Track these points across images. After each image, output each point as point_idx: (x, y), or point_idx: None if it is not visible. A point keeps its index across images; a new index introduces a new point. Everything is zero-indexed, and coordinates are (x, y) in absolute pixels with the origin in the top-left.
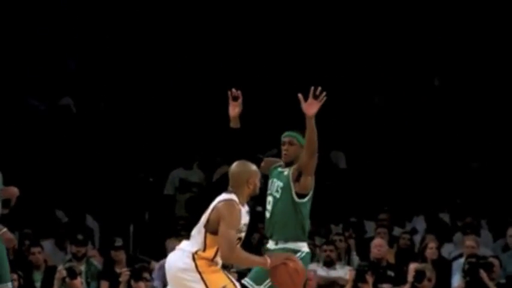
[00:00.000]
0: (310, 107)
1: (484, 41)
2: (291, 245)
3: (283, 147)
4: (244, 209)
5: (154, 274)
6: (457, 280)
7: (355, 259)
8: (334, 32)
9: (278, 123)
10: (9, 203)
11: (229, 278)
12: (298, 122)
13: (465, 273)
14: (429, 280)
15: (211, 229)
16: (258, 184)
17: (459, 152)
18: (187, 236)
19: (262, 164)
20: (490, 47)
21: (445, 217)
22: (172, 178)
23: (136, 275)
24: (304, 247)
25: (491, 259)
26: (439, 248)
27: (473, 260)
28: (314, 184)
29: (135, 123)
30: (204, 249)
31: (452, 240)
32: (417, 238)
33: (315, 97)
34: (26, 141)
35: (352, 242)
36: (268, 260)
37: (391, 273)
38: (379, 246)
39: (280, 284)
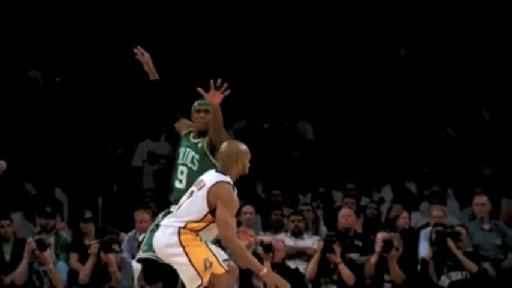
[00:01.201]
0: (213, 97)
1: (449, 10)
2: None
3: (199, 115)
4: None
5: (124, 246)
6: (424, 249)
7: (323, 229)
8: (301, 4)
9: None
10: None
11: (211, 251)
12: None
13: (432, 243)
14: (397, 249)
15: (211, 209)
16: (248, 164)
17: (425, 122)
18: (155, 208)
19: (176, 125)
20: (455, 16)
21: (412, 186)
22: (140, 150)
23: (105, 247)
24: None
25: (458, 228)
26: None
27: (441, 229)
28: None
29: (103, 95)
30: (196, 221)
31: (419, 209)
32: (384, 207)
33: (216, 88)
34: None
35: (319, 212)
36: (264, 271)
37: (358, 242)
38: (346, 216)
39: None
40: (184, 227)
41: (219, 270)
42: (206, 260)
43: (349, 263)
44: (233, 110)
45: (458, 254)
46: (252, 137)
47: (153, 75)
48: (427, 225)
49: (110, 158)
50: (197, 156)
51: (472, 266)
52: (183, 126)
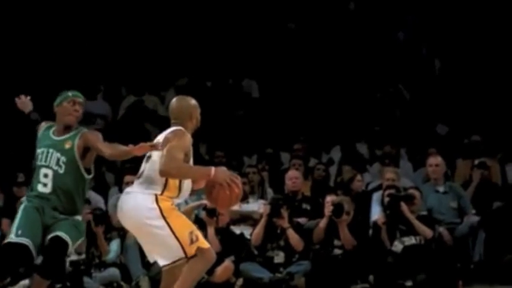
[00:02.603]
0: (140, 150)
1: None
2: (77, 217)
3: (74, 107)
4: None
5: None
6: (376, 213)
7: (269, 192)
8: None
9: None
10: None
11: (192, 223)
12: None
13: (385, 206)
14: (347, 213)
15: None
16: (199, 117)
17: (376, 78)
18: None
19: (38, 129)
20: None
21: (363, 147)
22: None
23: None
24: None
25: (411, 191)
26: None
27: (393, 192)
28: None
29: (39, 52)
30: (166, 185)
31: (368, 171)
32: (333, 169)
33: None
34: None
35: (265, 174)
36: (212, 171)
37: (306, 206)
38: (294, 178)
39: (215, 199)
40: (162, 193)
41: (205, 244)
42: (191, 233)
43: (297, 228)
44: (174, 67)
45: (412, 218)
46: (194, 95)
47: (27, 110)
48: (379, 187)
49: (44, 118)
50: (63, 158)
51: (427, 231)
52: (41, 126)
